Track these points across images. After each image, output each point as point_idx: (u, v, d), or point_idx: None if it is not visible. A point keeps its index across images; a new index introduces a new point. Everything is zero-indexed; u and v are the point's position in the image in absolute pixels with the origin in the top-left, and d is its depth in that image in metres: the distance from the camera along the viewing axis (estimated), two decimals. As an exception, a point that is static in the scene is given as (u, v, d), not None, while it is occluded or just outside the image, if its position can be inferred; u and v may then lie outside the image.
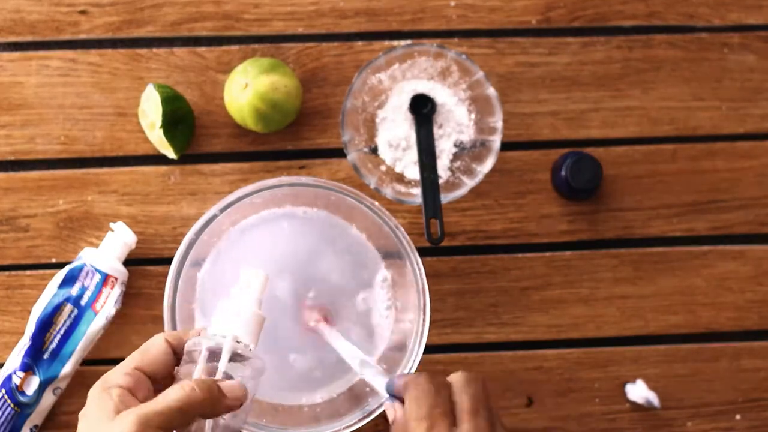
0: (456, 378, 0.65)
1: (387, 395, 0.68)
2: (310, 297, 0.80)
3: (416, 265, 0.78)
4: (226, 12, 0.89)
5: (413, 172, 0.86)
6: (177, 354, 0.63)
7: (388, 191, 0.84)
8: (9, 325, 0.85)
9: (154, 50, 0.88)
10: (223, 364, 0.60)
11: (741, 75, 0.91)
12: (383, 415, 0.79)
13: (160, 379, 0.61)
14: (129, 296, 0.85)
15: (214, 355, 0.61)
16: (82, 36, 0.88)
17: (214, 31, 0.89)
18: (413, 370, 0.78)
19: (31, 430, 0.82)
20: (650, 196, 0.90)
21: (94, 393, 0.60)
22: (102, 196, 0.87)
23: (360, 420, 0.76)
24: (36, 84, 0.87)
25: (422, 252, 0.80)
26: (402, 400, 0.66)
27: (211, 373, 0.60)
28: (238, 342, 0.62)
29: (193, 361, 0.61)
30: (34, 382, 0.81)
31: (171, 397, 0.57)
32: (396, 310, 0.82)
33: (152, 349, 0.62)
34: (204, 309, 0.80)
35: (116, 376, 0.60)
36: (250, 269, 0.65)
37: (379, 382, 0.70)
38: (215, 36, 0.89)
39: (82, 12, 0.88)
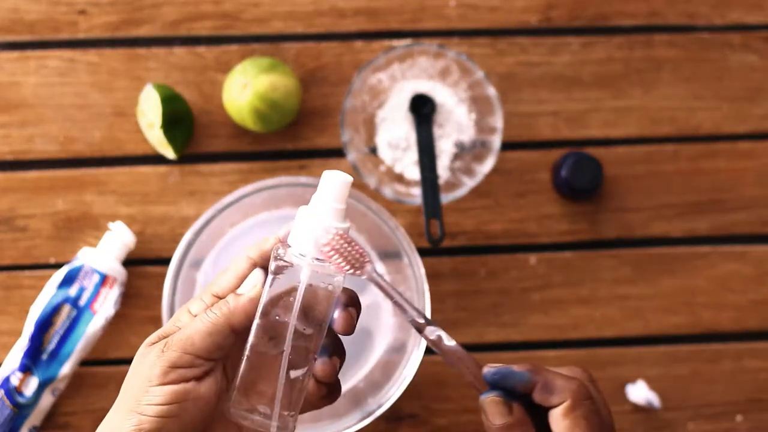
0: (588, 382, 0.56)
1: (487, 385, 0.56)
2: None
3: (416, 265, 0.77)
4: (225, 11, 0.89)
5: (413, 172, 0.86)
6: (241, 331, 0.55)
7: (387, 191, 0.84)
8: (7, 326, 0.85)
9: (153, 50, 0.88)
10: (301, 291, 0.54)
11: (742, 75, 0.91)
12: (383, 416, 0.79)
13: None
14: (128, 296, 0.85)
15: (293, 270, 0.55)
16: (81, 35, 0.88)
17: (213, 31, 0.89)
18: (413, 371, 0.78)
19: (29, 430, 0.82)
20: (651, 196, 0.90)
21: (155, 347, 0.54)
22: (101, 196, 0.87)
23: (360, 420, 0.75)
24: (34, 84, 0.87)
25: (422, 252, 0.80)
26: (517, 397, 0.55)
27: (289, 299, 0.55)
28: (317, 260, 0.54)
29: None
30: (33, 383, 0.81)
31: (195, 323, 0.53)
32: (395, 310, 0.82)
33: (216, 339, 0.54)
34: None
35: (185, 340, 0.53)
36: (332, 172, 0.55)
37: (459, 351, 0.57)
38: (214, 36, 0.89)
39: (81, 11, 0.88)
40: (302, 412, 0.56)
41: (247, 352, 0.54)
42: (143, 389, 0.52)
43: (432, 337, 0.57)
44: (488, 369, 0.55)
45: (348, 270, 0.55)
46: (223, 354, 0.54)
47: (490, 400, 0.55)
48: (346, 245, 0.55)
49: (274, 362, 0.54)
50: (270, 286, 0.55)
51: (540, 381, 0.54)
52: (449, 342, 0.57)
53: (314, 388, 0.56)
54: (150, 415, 0.51)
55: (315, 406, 0.57)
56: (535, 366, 0.55)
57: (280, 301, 0.55)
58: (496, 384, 0.55)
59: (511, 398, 0.54)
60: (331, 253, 0.54)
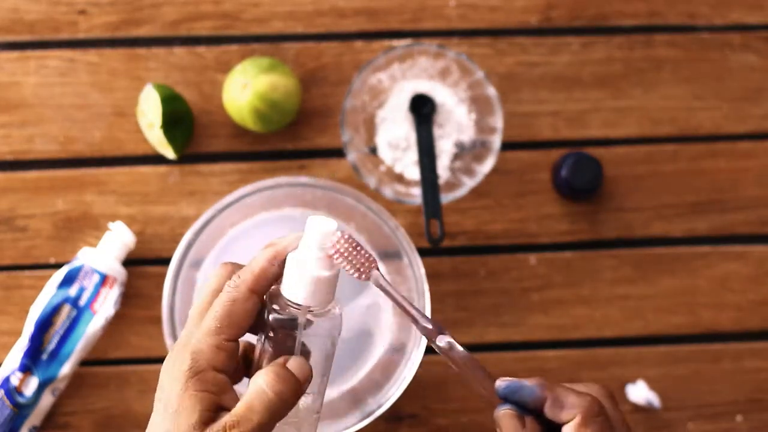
0: (605, 399, 0.55)
1: (500, 398, 0.55)
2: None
3: (416, 265, 0.77)
4: (225, 11, 0.89)
5: (413, 172, 0.86)
6: (261, 297, 0.54)
7: (387, 191, 0.84)
8: (7, 326, 0.85)
9: (153, 50, 0.88)
10: (299, 343, 0.54)
11: (742, 75, 0.91)
12: (383, 416, 0.78)
13: (242, 335, 0.54)
14: (128, 297, 0.85)
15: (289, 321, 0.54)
16: (81, 35, 0.88)
17: (213, 31, 0.89)
18: (413, 371, 0.78)
19: (29, 430, 0.82)
20: (651, 196, 0.90)
21: (184, 376, 0.51)
22: (101, 196, 0.87)
23: (360, 421, 0.75)
24: (34, 84, 0.87)
25: (422, 252, 0.80)
26: (529, 411, 0.54)
27: (289, 345, 0.54)
28: (311, 311, 0.54)
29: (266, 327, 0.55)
30: (33, 383, 0.81)
31: (258, 410, 0.51)
32: (395, 311, 0.82)
33: (239, 310, 0.53)
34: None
35: (208, 354, 0.52)
36: (317, 219, 0.54)
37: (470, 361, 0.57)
38: (214, 36, 0.89)
39: (81, 11, 0.88)
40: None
41: None
42: None
43: (442, 345, 0.56)
44: (500, 382, 0.55)
45: (354, 274, 0.54)
46: None
47: (503, 413, 0.54)
48: (351, 249, 0.54)
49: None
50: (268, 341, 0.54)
51: (550, 396, 0.54)
52: (461, 350, 0.56)
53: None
54: None
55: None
56: (547, 381, 0.54)
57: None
58: (506, 398, 0.55)
59: (525, 412, 0.54)
60: (336, 257, 0.53)
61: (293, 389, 0.53)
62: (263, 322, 0.55)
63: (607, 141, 0.90)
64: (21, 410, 0.81)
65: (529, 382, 0.54)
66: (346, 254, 0.54)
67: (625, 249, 0.89)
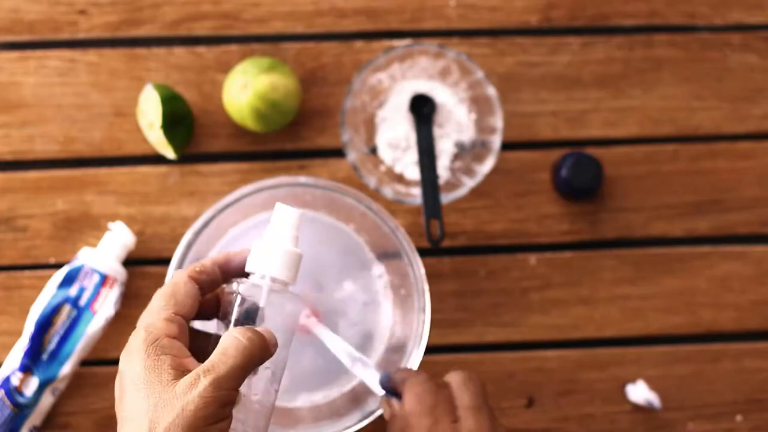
0: (455, 377, 0.66)
1: (381, 390, 0.68)
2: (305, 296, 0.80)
3: (416, 265, 0.77)
4: (225, 11, 0.89)
5: (413, 173, 0.86)
6: (201, 288, 0.59)
7: (387, 191, 0.84)
8: (7, 326, 0.85)
9: (153, 50, 0.88)
10: (261, 313, 0.58)
11: (742, 75, 0.91)
12: (383, 416, 0.79)
13: (189, 319, 0.58)
14: (128, 297, 0.85)
15: (252, 293, 0.59)
16: (81, 35, 0.88)
17: (213, 31, 0.89)
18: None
19: (30, 430, 0.82)
20: (651, 196, 0.90)
21: (141, 348, 0.54)
22: (101, 196, 0.87)
23: (360, 421, 0.75)
24: (34, 84, 0.87)
25: (422, 252, 0.80)
26: (398, 396, 0.66)
27: (250, 314, 0.58)
28: (274, 281, 0.59)
29: (231, 304, 0.59)
30: (33, 383, 0.81)
31: (232, 354, 0.54)
32: (395, 311, 0.82)
33: (181, 291, 0.57)
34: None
35: (160, 325, 0.55)
36: (283, 206, 0.61)
37: (370, 376, 0.70)
38: (214, 36, 0.89)
39: (81, 11, 0.88)
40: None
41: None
42: None
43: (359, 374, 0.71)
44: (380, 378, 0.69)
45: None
46: None
47: (380, 401, 0.69)
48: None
49: None
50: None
51: (396, 376, 0.68)
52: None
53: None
54: None
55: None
56: (405, 369, 0.69)
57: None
58: (385, 387, 0.69)
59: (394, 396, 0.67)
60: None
61: (262, 344, 0.55)
62: (220, 314, 0.59)
63: (607, 141, 0.90)
64: (21, 410, 0.81)
65: (386, 372, 0.69)
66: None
67: (625, 249, 0.89)
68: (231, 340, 0.54)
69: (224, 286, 0.60)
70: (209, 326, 0.61)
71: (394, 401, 0.66)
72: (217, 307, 0.61)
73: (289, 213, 0.60)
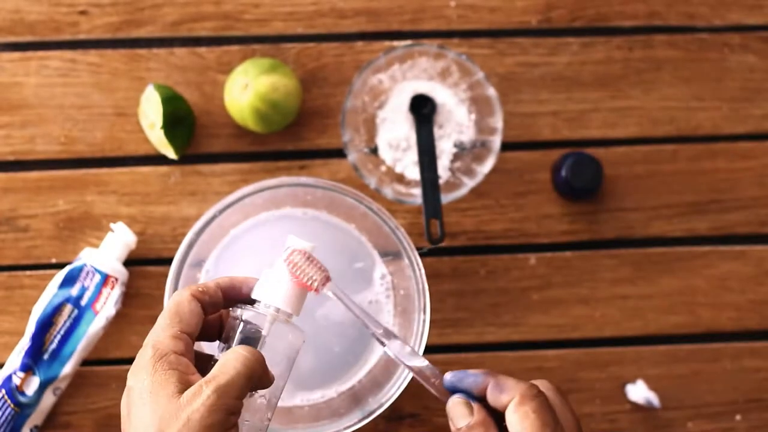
0: (550, 390, 0.57)
1: (446, 389, 0.58)
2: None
3: (416, 265, 0.77)
4: (225, 12, 0.89)
5: (413, 173, 0.86)
6: (204, 309, 0.60)
7: (388, 191, 0.84)
8: (9, 326, 0.85)
9: (154, 50, 0.88)
10: (263, 340, 0.59)
11: (741, 75, 0.91)
12: (383, 416, 0.79)
13: (194, 338, 0.59)
14: (129, 297, 0.85)
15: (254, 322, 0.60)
16: (82, 36, 0.88)
17: (214, 32, 0.89)
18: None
19: (31, 430, 0.82)
20: (650, 196, 0.90)
21: (149, 363, 0.55)
22: (102, 196, 0.87)
23: (360, 420, 0.75)
24: (36, 84, 0.87)
25: (422, 252, 0.80)
26: (475, 398, 0.57)
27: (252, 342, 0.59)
28: (279, 311, 0.60)
29: (234, 329, 0.60)
30: (34, 383, 0.81)
31: (234, 365, 0.55)
32: (396, 310, 0.82)
33: (185, 309, 0.58)
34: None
35: (167, 342, 0.56)
36: (296, 239, 0.62)
37: (420, 363, 0.60)
38: (215, 36, 0.89)
39: (82, 12, 0.88)
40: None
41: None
42: None
43: (394, 351, 0.61)
44: (447, 375, 0.59)
45: (307, 283, 0.60)
46: None
47: (452, 402, 0.57)
48: (304, 262, 0.60)
49: None
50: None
51: (492, 382, 0.56)
52: (412, 358, 0.61)
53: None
54: None
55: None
56: (490, 371, 0.58)
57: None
58: (454, 388, 0.58)
59: (473, 400, 0.57)
60: (290, 266, 0.60)
61: (263, 360, 0.57)
62: (222, 337, 0.60)
63: (607, 141, 0.90)
64: (22, 410, 0.81)
65: (472, 371, 0.58)
66: (299, 264, 0.60)
67: (624, 249, 0.89)
68: (232, 353, 0.56)
69: (230, 309, 0.61)
70: (214, 347, 0.61)
71: (478, 407, 0.57)
72: (218, 330, 0.62)
73: (300, 246, 0.61)
